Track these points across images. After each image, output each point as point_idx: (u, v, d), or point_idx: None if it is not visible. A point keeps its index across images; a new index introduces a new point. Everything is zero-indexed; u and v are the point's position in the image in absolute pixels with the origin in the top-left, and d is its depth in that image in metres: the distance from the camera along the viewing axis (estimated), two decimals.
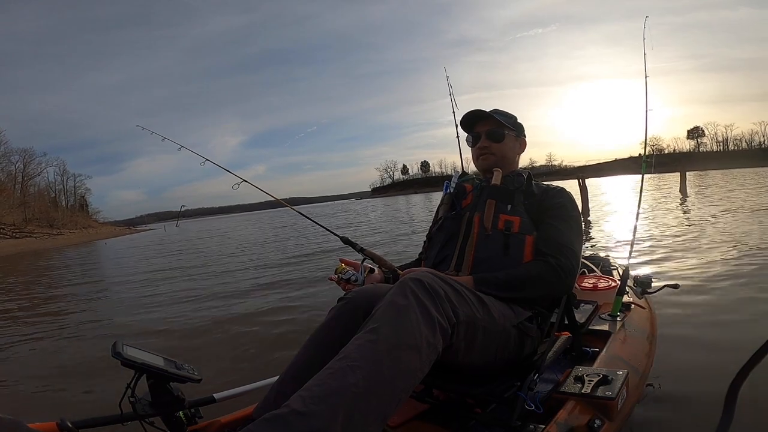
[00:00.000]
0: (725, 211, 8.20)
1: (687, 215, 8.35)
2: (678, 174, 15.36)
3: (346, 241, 1.56)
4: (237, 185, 1.88)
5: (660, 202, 11.61)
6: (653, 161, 2.33)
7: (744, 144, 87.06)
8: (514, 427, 1.10)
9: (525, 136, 1.51)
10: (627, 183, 28.23)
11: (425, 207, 23.12)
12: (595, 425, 1.12)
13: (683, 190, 14.10)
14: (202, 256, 10.44)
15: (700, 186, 18.12)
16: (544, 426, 1.09)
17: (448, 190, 1.51)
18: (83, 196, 63.26)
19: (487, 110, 1.48)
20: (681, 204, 10.87)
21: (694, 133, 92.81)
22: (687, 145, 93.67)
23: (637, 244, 2.22)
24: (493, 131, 1.44)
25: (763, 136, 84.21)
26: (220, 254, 10.36)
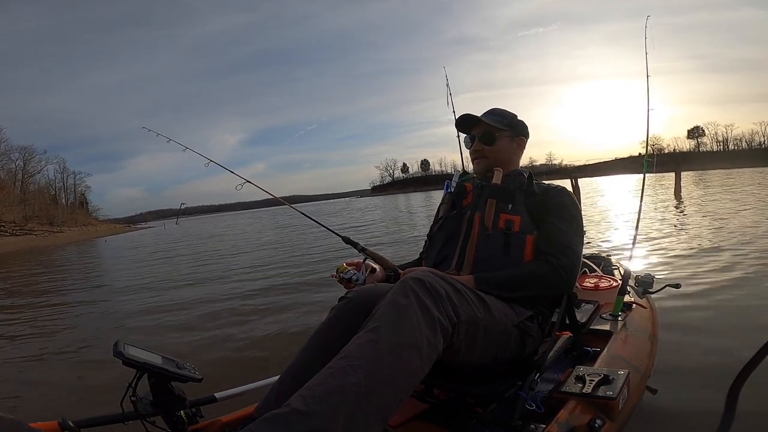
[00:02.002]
0: (723, 210, 8.20)
1: (683, 215, 8.35)
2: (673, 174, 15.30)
3: (347, 240, 1.56)
4: (240, 186, 1.88)
5: (656, 202, 11.61)
6: (655, 160, 2.32)
7: (744, 144, 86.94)
8: (515, 426, 1.10)
9: (524, 135, 1.49)
10: (625, 183, 28.11)
11: (426, 205, 23.09)
12: (596, 425, 1.12)
13: (678, 190, 14.08)
14: (201, 257, 10.43)
15: (698, 186, 18.12)
16: (545, 426, 1.09)
17: (449, 190, 1.51)
18: (83, 194, 63.33)
19: (486, 109, 1.49)
20: (676, 204, 10.87)
21: (695, 132, 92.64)
22: (687, 144, 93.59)
23: (637, 244, 2.22)
24: (484, 134, 1.44)
25: (764, 136, 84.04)
26: (220, 255, 10.34)
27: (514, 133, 1.46)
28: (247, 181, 1.90)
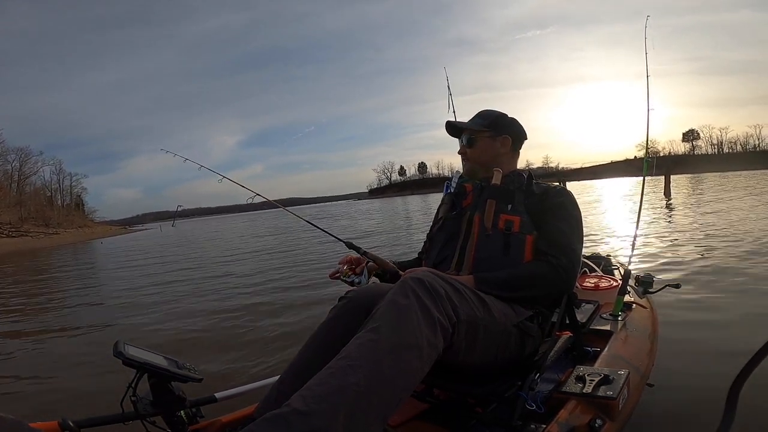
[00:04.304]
0: (719, 211, 8.25)
1: (677, 215, 8.41)
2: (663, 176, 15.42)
3: (350, 245, 1.56)
4: (251, 198, 1.97)
5: (649, 200, 11.69)
6: (655, 162, 2.32)
7: (739, 147, 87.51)
8: (515, 426, 1.10)
9: (507, 133, 1.46)
10: (620, 186, 28.12)
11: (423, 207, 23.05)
12: (596, 425, 1.12)
13: (667, 192, 14.17)
14: (200, 259, 10.39)
15: (691, 188, 18.22)
16: (545, 426, 1.09)
17: (449, 190, 1.51)
18: (79, 196, 63.08)
19: (479, 110, 1.51)
20: (666, 204, 10.93)
21: (690, 135, 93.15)
22: (682, 147, 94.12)
23: (636, 244, 2.22)
24: (468, 138, 1.47)
25: (758, 139, 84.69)
26: (219, 257, 10.31)
27: (495, 132, 1.45)
28: (257, 194, 1.96)
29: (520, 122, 1.51)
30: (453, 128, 1.52)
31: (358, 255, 1.45)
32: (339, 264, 1.43)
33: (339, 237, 1.68)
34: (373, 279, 1.43)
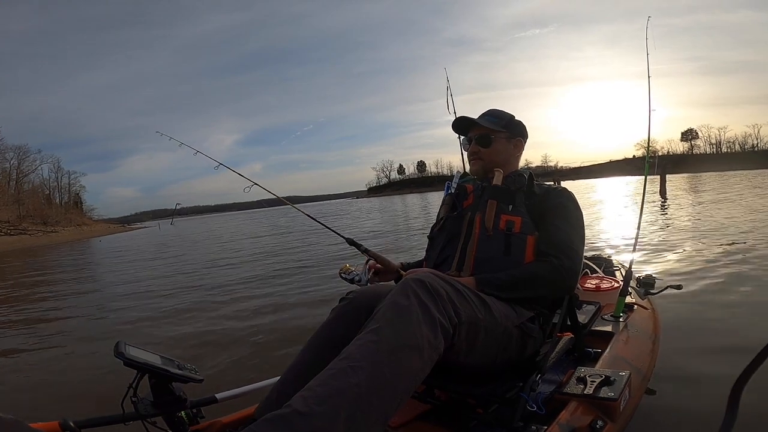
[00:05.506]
0: (717, 211, 8.26)
1: (671, 217, 8.42)
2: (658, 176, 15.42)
3: (351, 242, 1.56)
4: (248, 188, 1.93)
5: (647, 202, 11.70)
6: (656, 162, 2.32)
7: (737, 147, 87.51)
8: (516, 427, 1.10)
9: (521, 136, 1.47)
10: (617, 187, 28.10)
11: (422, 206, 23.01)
12: (598, 426, 1.12)
13: (663, 192, 14.16)
14: (200, 258, 10.37)
15: (688, 187, 18.23)
16: (546, 427, 1.09)
17: (450, 191, 1.51)
18: (78, 194, 63.01)
19: (484, 110, 1.49)
20: (662, 206, 10.94)
21: (688, 135, 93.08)
22: (681, 147, 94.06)
23: (638, 246, 2.22)
24: (481, 136, 1.43)
25: (756, 139, 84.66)
26: (219, 256, 10.29)
27: (511, 134, 1.45)
28: (255, 184, 1.93)
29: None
30: (460, 125, 1.49)
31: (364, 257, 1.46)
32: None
33: (341, 234, 1.68)
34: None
